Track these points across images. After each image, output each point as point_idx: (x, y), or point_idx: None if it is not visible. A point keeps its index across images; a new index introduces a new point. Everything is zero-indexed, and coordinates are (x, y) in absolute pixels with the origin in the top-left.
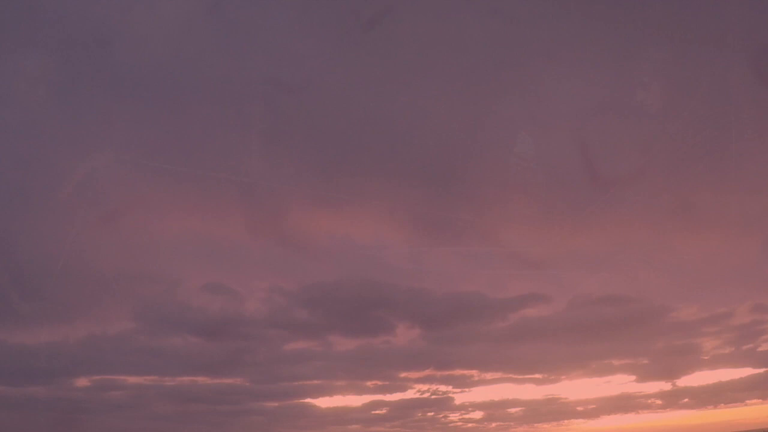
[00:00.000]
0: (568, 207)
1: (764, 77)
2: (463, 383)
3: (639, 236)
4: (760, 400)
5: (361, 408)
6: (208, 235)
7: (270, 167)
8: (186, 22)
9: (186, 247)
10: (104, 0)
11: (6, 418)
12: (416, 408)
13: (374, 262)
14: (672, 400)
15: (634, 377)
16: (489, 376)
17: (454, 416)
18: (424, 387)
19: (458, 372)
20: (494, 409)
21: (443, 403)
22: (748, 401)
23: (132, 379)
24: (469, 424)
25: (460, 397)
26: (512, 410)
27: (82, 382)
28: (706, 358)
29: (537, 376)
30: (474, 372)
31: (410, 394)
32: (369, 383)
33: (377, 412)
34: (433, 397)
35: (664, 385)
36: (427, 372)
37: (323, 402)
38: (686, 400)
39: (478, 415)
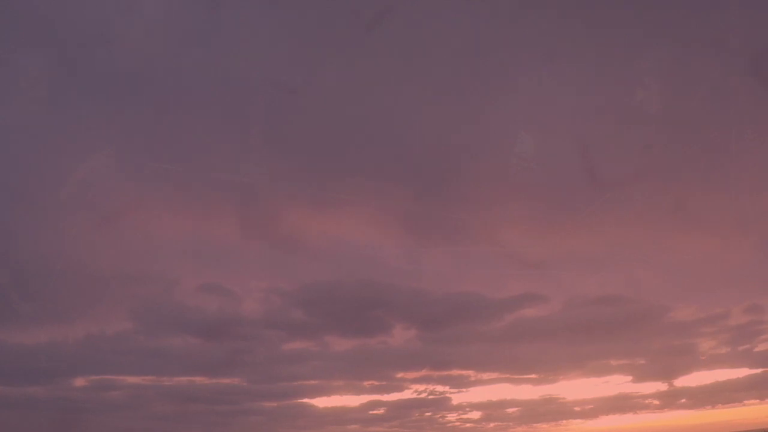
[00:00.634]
0: (565, 207)
1: (763, 79)
2: (460, 383)
3: (636, 237)
4: (758, 401)
5: (359, 408)
6: (206, 235)
7: (267, 168)
8: (186, 22)
9: (183, 248)
10: (104, 0)
11: (4, 418)
12: (414, 408)
13: (371, 262)
14: (670, 400)
15: (631, 377)
16: (486, 376)
17: (452, 416)
18: (421, 387)
19: (455, 372)
20: (492, 410)
21: (441, 404)
22: (746, 401)
23: (130, 379)
24: (468, 424)
25: (458, 397)
26: (510, 410)
27: (81, 382)
28: (703, 358)
29: (534, 376)
30: (471, 372)
31: (407, 394)
32: (366, 383)
33: (375, 412)
34: (430, 397)
35: (661, 386)
36: (423, 372)
37: (321, 402)
38: (684, 400)
39: (476, 415)
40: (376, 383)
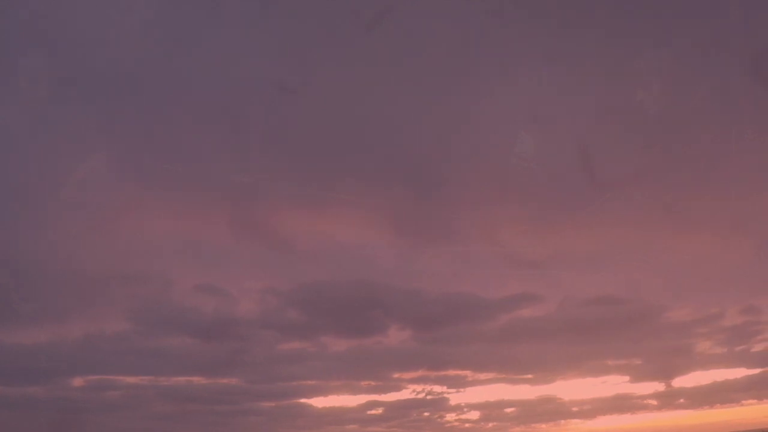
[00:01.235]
0: (562, 208)
1: (763, 79)
2: (457, 383)
3: (634, 237)
4: (756, 401)
5: (357, 408)
6: (203, 236)
7: (264, 168)
8: (185, 22)
9: (181, 248)
10: (104, 0)
11: (3, 418)
12: (412, 408)
13: (367, 262)
14: (667, 400)
15: (628, 378)
16: (483, 376)
17: (450, 416)
18: (419, 387)
19: (452, 372)
20: (490, 410)
21: (439, 404)
22: (744, 401)
23: (128, 379)
24: (467, 425)
25: (455, 397)
26: (508, 410)
27: (79, 382)
28: (699, 358)
29: (530, 376)
30: (467, 372)
31: (405, 394)
32: (363, 383)
33: (373, 412)
34: (428, 397)
35: (659, 386)
36: (420, 372)
37: (319, 402)
38: (682, 400)
39: (474, 415)
40: (373, 383)
